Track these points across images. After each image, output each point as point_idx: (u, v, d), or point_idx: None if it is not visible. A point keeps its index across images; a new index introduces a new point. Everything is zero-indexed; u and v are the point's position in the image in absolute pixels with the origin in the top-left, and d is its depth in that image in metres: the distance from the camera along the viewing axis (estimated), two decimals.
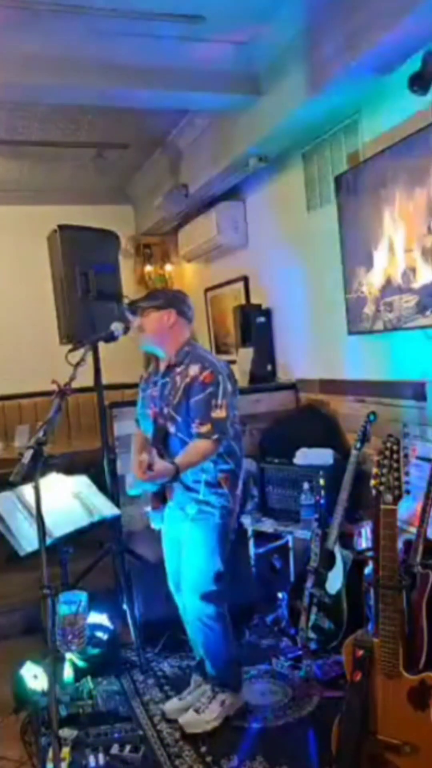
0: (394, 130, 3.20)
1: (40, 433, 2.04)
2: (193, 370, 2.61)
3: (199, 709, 2.72)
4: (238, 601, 2.85)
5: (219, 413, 2.55)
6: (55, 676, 2.04)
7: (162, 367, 2.76)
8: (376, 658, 2.18)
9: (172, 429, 2.66)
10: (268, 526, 3.71)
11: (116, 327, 2.72)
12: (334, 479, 3.38)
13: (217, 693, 2.75)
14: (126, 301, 3.63)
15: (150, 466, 2.45)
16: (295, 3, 3.05)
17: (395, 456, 2.24)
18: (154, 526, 2.85)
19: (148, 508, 2.76)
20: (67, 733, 2.55)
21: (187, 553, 2.72)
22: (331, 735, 2.26)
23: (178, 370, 2.67)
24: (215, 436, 2.54)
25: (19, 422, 5.50)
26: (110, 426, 3.87)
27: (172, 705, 2.86)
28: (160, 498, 2.73)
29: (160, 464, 2.49)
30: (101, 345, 3.36)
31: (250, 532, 3.82)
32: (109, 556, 3.67)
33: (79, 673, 2.97)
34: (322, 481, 3.50)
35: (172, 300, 2.74)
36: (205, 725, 2.67)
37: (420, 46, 2.82)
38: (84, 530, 3.13)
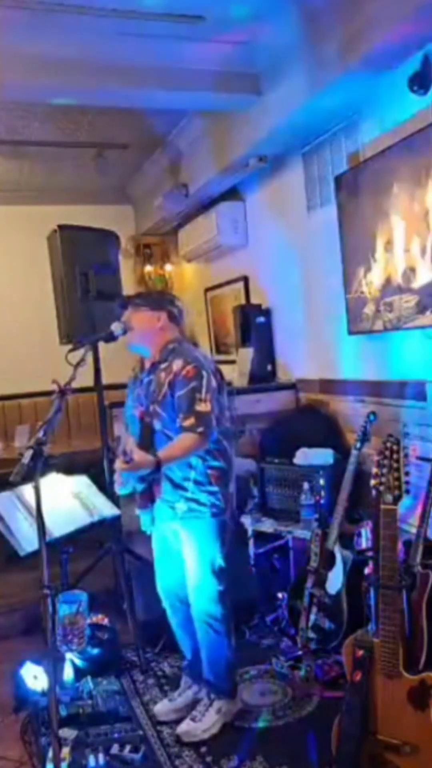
0: (394, 130, 3.20)
1: (40, 433, 2.04)
2: (177, 365, 2.60)
3: (196, 718, 2.71)
4: (238, 601, 2.85)
5: (203, 407, 2.53)
6: (55, 676, 2.04)
7: (147, 365, 2.75)
8: (376, 658, 2.18)
9: (157, 426, 2.63)
10: (268, 526, 3.71)
11: (116, 327, 2.72)
12: (334, 479, 3.38)
13: (213, 700, 2.75)
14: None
15: (126, 452, 2.43)
16: (295, 3, 3.05)
17: (395, 456, 2.24)
18: (144, 529, 2.84)
19: (138, 510, 2.76)
20: (67, 733, 2.55)
21: (188, 557, 2.71)
22: (331, 735, 2.26)
23: (163, 366, 2.65)
24: (200, 429, 2.51)
25: (19, 422, 5.50)
26: (110, 426, 3.87)
27: (162, 707, 2.86)
28: (148, 497, 2.70)
29: (139, 454, 2.48)
30: (101, 345, 3.36)
31: (250, 532, 3.82)
32: (109, 556, 3.68)
33: (79, 673, 2.97)
34: (322, 481, 3.51)
35: (165, 303, 2.76)
36: (202, 734, 2.66)
37: (420, 46, 2.82)
38: (84, 530, 3.13)
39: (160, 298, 2.81)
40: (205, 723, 2.69)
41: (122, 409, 3.88)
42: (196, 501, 2.64)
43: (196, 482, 2.63)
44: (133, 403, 2.79)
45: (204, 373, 2.58)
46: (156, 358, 2.70)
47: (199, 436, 2.51)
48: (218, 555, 2.68)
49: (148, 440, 2.66)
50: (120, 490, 2.70)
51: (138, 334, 2.70)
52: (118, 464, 2.48)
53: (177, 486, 2.64)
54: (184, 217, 5.62)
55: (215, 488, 2.65)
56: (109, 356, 3.70)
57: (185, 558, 2.73)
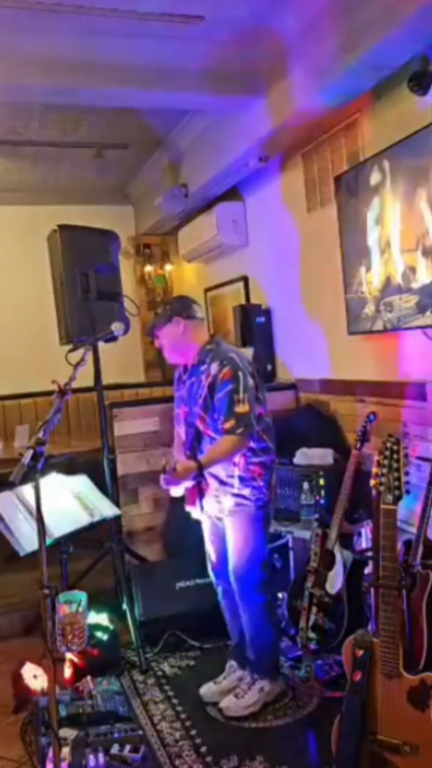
0: (394, 130, 3.20)
1: (40, 433, 2.04)
2: (214, 368, 2.69)
3: (239, 695, 2.81)
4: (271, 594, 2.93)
5: (241, 408, 2.61)
6: (55, 676, 2.04)
7: (189, 367, 2.85)
8: (376, 658, 2.18)
9: (201, 427, 2.75)
10: None
11: (116, 327, 2.73)
12: (334, 479, 3.38)
13: (256, 680, 2.84)
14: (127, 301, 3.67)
15: (166, 469, 2.57)
16: (295, 3, 3.05)
17: (395, 456, 2.24)
18: (195, 516, 2.93)
19: (188, 507, 2.86)
20: (67, 733, 2.54)
21: (231, 547, 2.80)
22: (331, 735, 2.26)
23: (202, 368, 2.75)
24: (239, 431, 2.60)
25: (19, 422, 5.49)
26: (110, 426, 3.87)
27: (208, 689, 2.94)
28: (197, 493, 2.80)
29: (182, 464, 2.62)
30: (101, 345, 3.36)
31: None
32: (109, 556, 3.68)
33: (79, 673, 2.97)
34: (322, 481, 3.50)
35: (175, 308, 2.83)
36: (243, 710, 2.77)
37: (420, 46, 2.81)
38: (84, 530, 3.13)
39: (168, 309, 2.87)
40: (247, 700, 2.79)
41: (122, 408, 3.95)
42: (242, 496, 2.74)
43: (241, 478, 2.73)
44: (177, 404, 2.92)
45: (240, 374, 2.66)
46: (196, 361, 2.79)
47: (239, 437, 2.62)
48: (262, 546, 2.80)
49: (194, 441, 2.80)
50: (173, 493, 2.79)
51: (169, 349, 2.84)
52: (161, 482, 2.63)
53: (223, 483, 2.75)
54: (184, 217, 5.61)
55: (259, 483, 2.76)
56: (109, 356, 3.70)
57: (229, 548, 2.82)
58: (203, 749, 2.59)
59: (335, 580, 3.06)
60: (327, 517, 3.21)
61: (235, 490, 2.74)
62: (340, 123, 3.64)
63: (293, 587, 3.32)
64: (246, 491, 2.74)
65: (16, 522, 2.98)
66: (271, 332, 4.74)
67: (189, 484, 2.72)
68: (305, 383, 4.36)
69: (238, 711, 2.77)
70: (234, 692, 2.84)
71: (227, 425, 2.61)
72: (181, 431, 2.90)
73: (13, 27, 3.06)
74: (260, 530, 2.80)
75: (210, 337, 2.84)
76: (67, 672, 2.94)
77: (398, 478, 2.22)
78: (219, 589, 3.00)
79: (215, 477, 2.74)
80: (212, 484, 2.76)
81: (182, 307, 2.82)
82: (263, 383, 2.84)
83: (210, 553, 2.99)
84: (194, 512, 2.88)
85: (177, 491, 2.76)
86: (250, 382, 2.68)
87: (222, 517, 2.82)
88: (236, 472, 2.73)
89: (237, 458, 2.71)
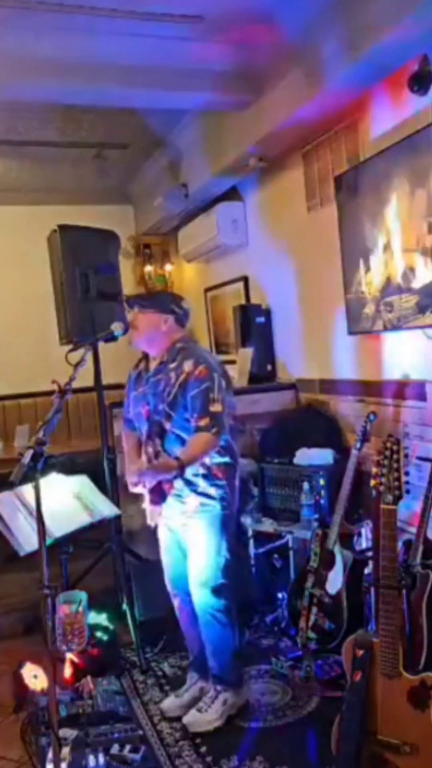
0: (394, 130, 3.20)
1: (40, 433, 2.04)
2: (188, 365, 2.65)
3: (202, 709, 2.75)
4: (238, 601, 2.86)
5: (216, 407, 2.59)
6: (55, 676, 2.04)
7: (153, 365, 2.79)
8: (376, 658, 2.18)
9: (167, 425, 2.69)
10: (268, 526, 3.71)
11: (116, 327, 2.72)
12: (334, 479, 3.38)
13: (219, 692, 2.78)
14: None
15: (150, 461, 2.55)
16: (294, 3, 3.04)
17: (395, 456, 2.24)
18: (150, 522, 2.87)
19: (146, 505, 2.78)
20: (67, 733, 2.54)
21: (194, 549, 2.76)
22: (331, 735, 2.26)
23: (172, 366, 2.69)
24: (214, 429, 2.58)
25: (19, 422, 5.50)
26: (110, 426, 3.87)
27: (170, 703, 2.88)
28: (159, 493, 2.75)
29: (164, 458, 2.58)
30: (101, 345, 3.36)
31: (250, 532, 3.81)
32: (109, 556, 3.68)
33: (79, 673, 2.97)
34: (322, 481, 3.51)
35: (172, 306, 2.78)
36: (207, 725, 2.70)
37: (420, 46, 2.81)
38: (84, 530, 3.13)
39: (167, 300, 2.83)
40: (211, 714, 2.72)
41: (122, 409, 3.93)
42: (207, 495, 2.70)
43: (205, 477, 2.70)
44: (138, 402, 2.83)
45: (215, 373, 2.64)
46: (164, 358, 2.74)
47: (214, 435, 2.59)
48: (224, 548, 2.74)
49: (157, 438, 2.72)
50: (133, 489, 2.76)
51: (144, 335, 2.76)
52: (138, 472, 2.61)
53: (187, 482, 2.70)
54: (184, 217, 5.61)
55: (223, 482, 2.72)
56: (109, 356, 3.70)
57: (190, 550, 2.77)
58: (203, 749, 2.59)
59: (335, 580, 3.06)
60: (327, 517, 3.21)
61: (200, 489, 2.69)
62: (340, 123, 3.64)
63: (293, 587, 3.32)
64: (211, 490, 2.70)
65: (16, 522, 2.97)
66: (271, 332, 4.74)
67: (153, 482, 2.68)
68: (305, 383, 4.36)
69: (202, 726, 2.69)
70: (197, 706, 2.77)
71: (202, 423, 2.58)
72: (142, 430, 2.81)
73: (13, 27, 3.06)
74: (224, 532, 2.73)
75: (179, 337, 2.77)
76: (67, 672, 2.94)
77: (398, 479, 2.22)
78: (176, 601, 2.93)
79: (180, 477, 2.68)
80: (176, 483, 2.70)
81: (178, 308, 2.78)
82: (231, 386, 2.80)
83: (166, 563, 2.93)
84: (153, 516, 2.82)
85: (139, 488, 2.72)
86: (223, 383, 2.66)
87: (185, 519, 2.75)
88: (200, 470, 2.68)
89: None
